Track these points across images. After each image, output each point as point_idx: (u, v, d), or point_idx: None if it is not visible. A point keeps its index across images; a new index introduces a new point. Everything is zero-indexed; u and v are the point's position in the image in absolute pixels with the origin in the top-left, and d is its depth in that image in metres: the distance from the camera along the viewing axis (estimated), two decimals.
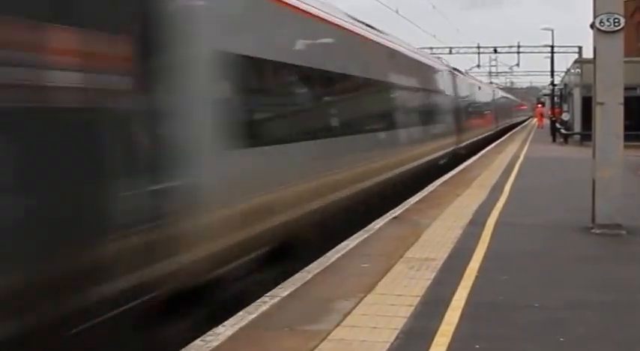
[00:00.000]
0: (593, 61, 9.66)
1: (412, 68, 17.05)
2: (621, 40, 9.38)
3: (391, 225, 10.24)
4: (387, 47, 14.44)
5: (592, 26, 9.56)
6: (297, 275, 7.12)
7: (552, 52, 44.71)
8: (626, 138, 9.80)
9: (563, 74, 49.66)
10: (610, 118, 9.43)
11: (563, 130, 36.53)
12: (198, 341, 5.12)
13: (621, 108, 9.38)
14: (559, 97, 46.03)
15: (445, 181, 16.19)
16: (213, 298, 6.13)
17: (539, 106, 74.79)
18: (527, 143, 34.26)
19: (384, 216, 10.96)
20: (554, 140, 37.15)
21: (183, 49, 5.56)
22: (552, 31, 44.09)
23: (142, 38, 5.07)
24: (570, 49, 50.96)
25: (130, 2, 5.09)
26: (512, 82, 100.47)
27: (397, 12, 30.79)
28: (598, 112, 9.48)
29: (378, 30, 14.30)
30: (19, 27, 4.01)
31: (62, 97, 4.33)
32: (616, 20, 9.20)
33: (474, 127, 29.00)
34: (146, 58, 5.10)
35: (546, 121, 54.95)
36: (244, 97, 6.85)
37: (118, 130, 4.82)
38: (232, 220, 6.31)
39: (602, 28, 9.25)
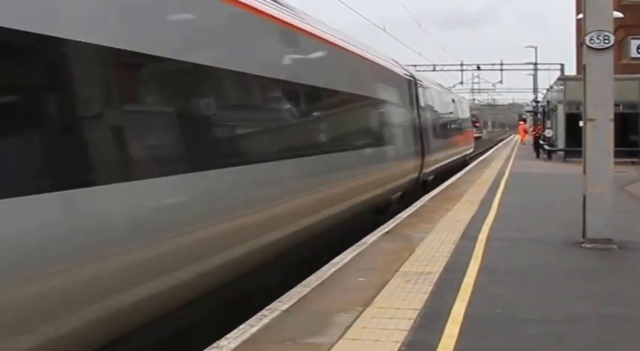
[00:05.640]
0: (583, 78, 9.80)
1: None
2: (611, 56, 9.52)
3: (384, 239, 10.28)
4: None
5: (582, 43, 9.70)
6: (294, 289, 7.13)
7: (535, 69, 45.15)
8: None
9: (545, 91, 50.16)
10: (600, 135, 9.55)
11: (546, 146, 36.81)
12: None
13: (611, 124, 9.52)
14: (542, 113, 46.43)
15: (434, 197, 16.28)
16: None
17: (521, 122, 75.41)
18: (512, 159, 34.51)
19: (377, 230, 11.01)
20: (537, 156, 37.47)
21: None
22: (536, 48, 44.58)
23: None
24: (552, 67, 51.55)
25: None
26: (494, 99, 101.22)
27: (384, 29, 31.00)
28: (588, 129, 9.60)
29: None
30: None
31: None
32: (606, 37, 9.35)
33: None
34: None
35: (529, 138, 55.49)
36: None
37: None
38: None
39: (593, 46, 9.40)
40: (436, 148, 21.05)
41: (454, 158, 26.90)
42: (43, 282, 4.15)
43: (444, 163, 23.04)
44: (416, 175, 17.56)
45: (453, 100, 29.80)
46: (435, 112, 22.85)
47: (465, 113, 35.16)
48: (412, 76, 18.86)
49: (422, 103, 19.55)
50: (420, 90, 19.45)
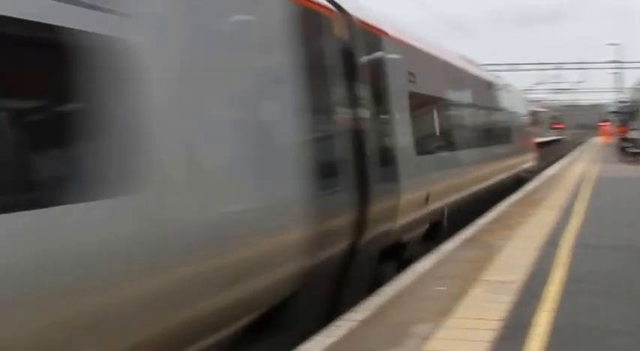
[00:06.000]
0: None
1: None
2: None
3: (464, 247, 10.01)
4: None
5: None
6: (371, 299, 6.98)
7: (619, 68, 43.64)
8: None
9: (630, 90, 48.40)
10: None
11: (634, 149, 35.44)
12: None
13: None
14: (627, 114, 44.83)
15: (513, 202, 15.84)
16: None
17: (605, 124, 73.34)
18: (594, 163, 33.45)
19: (456, 237, 10.75)
20: (622, 159, 36.17)
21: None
22: (619, 45, 43.04)
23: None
24: (637, 65, 49.57)
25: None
26: (576, 100, 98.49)
27: (459, 28, 30.43)
28: None
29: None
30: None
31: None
32: None
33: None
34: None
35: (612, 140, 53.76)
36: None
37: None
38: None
39: None
40: (428, 170, 10.43)
41: (486, 184, 15.48)
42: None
43: (455, 197, 12.12)
44: (346, 242, 7.13)
45: (491, 85, 18.62)
46: (432, 98, 11.74)
47: (517, 109, 23.33)
48: (341, 9, 7.72)
49: (377, 77, 8.73)
50: (373, 47, 8.64)
